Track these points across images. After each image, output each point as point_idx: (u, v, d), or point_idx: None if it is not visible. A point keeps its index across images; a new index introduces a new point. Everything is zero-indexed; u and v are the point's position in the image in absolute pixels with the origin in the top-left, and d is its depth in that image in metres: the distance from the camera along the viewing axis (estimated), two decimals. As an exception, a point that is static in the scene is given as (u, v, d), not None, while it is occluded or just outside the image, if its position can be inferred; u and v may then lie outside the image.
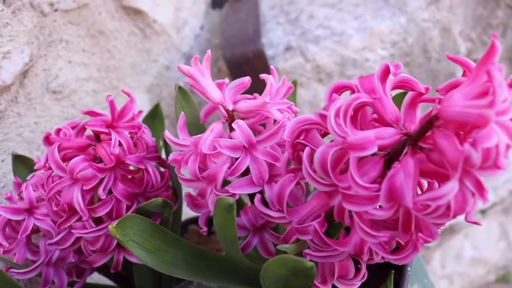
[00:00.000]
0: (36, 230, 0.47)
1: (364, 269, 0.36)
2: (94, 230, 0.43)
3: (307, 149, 0.32)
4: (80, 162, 0.41)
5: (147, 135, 0.44)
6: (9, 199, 0.49)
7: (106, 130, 0.41)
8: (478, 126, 0.27)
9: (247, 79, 0.44)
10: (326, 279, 0.36)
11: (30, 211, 0.44)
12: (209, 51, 0.41)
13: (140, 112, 0.47)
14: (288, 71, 0.76)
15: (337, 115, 0.30)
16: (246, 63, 0.74)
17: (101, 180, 0.42)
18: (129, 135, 0.43)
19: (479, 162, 0.26)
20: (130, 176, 0.46)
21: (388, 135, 0.30)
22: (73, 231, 0.43)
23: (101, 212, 0.43)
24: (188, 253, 0.43)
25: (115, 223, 0.34)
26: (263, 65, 0.74)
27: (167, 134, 0.39)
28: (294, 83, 0.50)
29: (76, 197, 0.42)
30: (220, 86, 0.43)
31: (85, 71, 0.64)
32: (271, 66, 0.42)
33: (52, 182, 0.43)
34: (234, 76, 0.75)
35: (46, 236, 0.46)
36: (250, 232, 0.40)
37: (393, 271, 0.41)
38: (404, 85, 0.36)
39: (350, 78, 0.76)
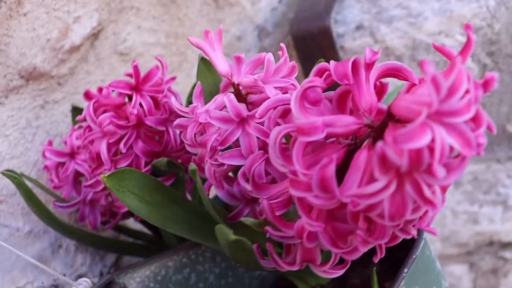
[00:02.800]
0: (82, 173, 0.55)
1: (335, 257, 0.36)
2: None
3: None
4: (107, 118, 0.46)
5: (172, 99, 0.48)
6: (65, 143, 0.56)
7: (128, 92, 0.46)
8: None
9: (263, 55, 0.44)
10: (294, 260, 0.37)
11: (72, 155, 0.51)
12: (220, 27, 0.42)
13: (172, 78, 0.50)
14: (355, 51, 0.74)
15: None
16: (311, 38, 0.73)
17: (124, 136, 0.47)
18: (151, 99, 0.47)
19: (406, 165, 0.24)
20: (157, 137, 0.50)
21: (342, 123, 0.29)
22: (99, 177, 0.49)
23: (122, 164, 0.48)
24: (192, 213, 0.46)
25: (107, 173, 0.39)
26: (329, 42, 0.73)
27: (173, 100, 0.42)
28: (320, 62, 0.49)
29: (102, 148, 0.47)
30: (237, 61, 0.44)
31: (153, 36, 0.69)
32: (281, 44, 0.42)
33: (88, 132, 0.49)
34: (299, 51, 0.75)
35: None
36: (241, 203, 0.42)
37: (375, 268, 0.40)
38: (395, 74, 0.34)
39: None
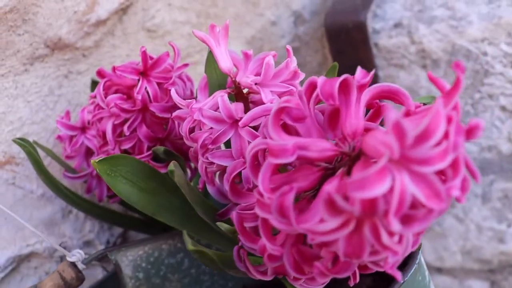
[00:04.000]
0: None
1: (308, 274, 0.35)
2: (120, 159, 0.49)
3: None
4: (114, 99, 0.47)
5: (172, 91, 0.47)
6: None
7: (135, 77, 0.46)
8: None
9: (272, 53, 0.43)
10: (266, 271, 0.36)
11: (83, 129, 0.53)
12: (227, 22, 0.41)
13: (184, 65, 0.50)
14: (389, 50, 0.70)
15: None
16: (345, 32, 0.70)
17: (129, 119, 0.48)
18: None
19: (358, 212, 0.23)
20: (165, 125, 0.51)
21: (317, 148, 0.28)
22: (101, 155, 0.50)
23: (125, 146, 0.49)
24: (187, 204, 0.46)
25: (98, 158, 0.39)
26: (362, 38, 0.70)
27: (173, 92, 0.42)
28: (334, 66, 0.47)
29: (107, 128, 0.48)
30: (245, 57, 0.43)
31: (184, 15, 0.69)
32: (287, 46, 0.40)
33: (97, 110, 0.50)
34: (331, 44, 0.73)
35: (96, 154, 0.55)
36: (230, 202, 0.42)
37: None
38: (390, 97, 0.32)
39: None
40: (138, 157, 0.48)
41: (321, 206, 0.23)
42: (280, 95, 0.39)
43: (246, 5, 0.75)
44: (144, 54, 0.45)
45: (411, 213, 0.23)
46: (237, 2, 0.74)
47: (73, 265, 0.47)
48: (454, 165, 0.24)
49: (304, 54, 0.80)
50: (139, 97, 0.45)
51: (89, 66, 0.62)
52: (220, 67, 0.41)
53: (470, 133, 0.24)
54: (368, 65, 0.72)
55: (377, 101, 0.33)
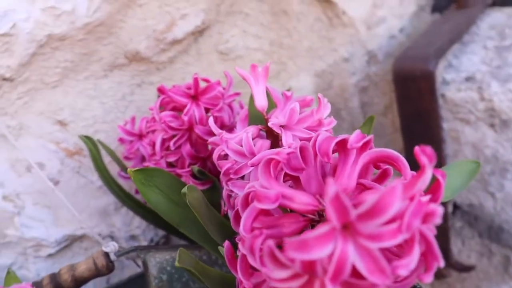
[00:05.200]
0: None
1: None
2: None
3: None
4: (166, 116, 0.52)
5: (210, 120, 0.50)
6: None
7: (184, 100, 0.50)
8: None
9: (308, 98, 0.45)
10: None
11: (140, 137, 0.59)
12: (268, 63, 0.44)
13: (236, 93, 0.54)
14: (456, 103, 0.68)
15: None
16: (411, 80, 0.69)
17: (176, 136, 0.52)
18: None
19: (299, 270, 0.24)
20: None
21: (299, 201, 0.30)
22: (148, 163, 0.55)
23: (170, 159, 0.53)
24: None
25: (135, 169, 0.44)
26: (429, 87, 0.69)
27: (210, 121, 0.45)
28: (371, 118, 0.48)
29: (157, 140, 0.53)
30: (285, 97, 0.46)
31: (257, 42, 0.73)
32: (319, 95, 0.42)
33: (152, 122, 0.55)
34: (397, 89, 0.72)
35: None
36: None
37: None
38: (388, 162, 0.33)
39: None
40: (179, 171, 0.53)
41: (266, 257, 0.25)
42: (303, 139, 0.41)
43: (322, 39, 0.77)
44: (195, 80, 0.50)
45: (353, 282, 0.24)
46: (313, 36, 0.76)
47: (106, 255, 0.53)
48: (407, 245, 0.24)
49: (372, 95, 0.80)
50: (186, 118, 0.50)
51: (161, 79, 0.68)
52: (255, 105, 0.44)
53: (427, 217, 0.25)
54: (433, 115, 0.70)
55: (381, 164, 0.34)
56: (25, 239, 0.63)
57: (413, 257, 0.24)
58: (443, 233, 0.75)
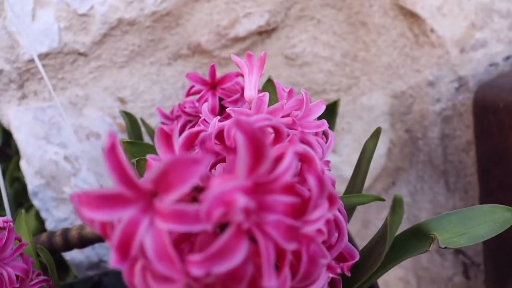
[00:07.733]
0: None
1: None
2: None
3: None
4: (186, 102, 0.53)
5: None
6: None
7: (200, 86, 0.50)
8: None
9: (320, 102, 0.41)
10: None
11: (173, 121, 0.61)
12: (264, 53, 0.41)
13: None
14: (546, 147, 0.55)
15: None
16: (493, 111, 0.59)
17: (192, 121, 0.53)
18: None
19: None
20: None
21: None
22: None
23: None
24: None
25: (127, 140, 0.46)
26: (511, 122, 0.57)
27: (204, 107, 0.45)
28: (378, 131, 0.42)
29: (178, 125, 0.54)
30: (289, 93, 0.43)
31: (328, 51, 0.69)
32: (302, 90, 0.38)
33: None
34: (476, 120, 0.62)
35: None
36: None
37: None
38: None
39: None
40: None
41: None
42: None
43: (404, 57, 0.70)
44: (212, 68, 0.50)
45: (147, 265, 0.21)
46: (394, 53, 0.70)
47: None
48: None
49: (455, 127, 0.70)
50: (197, 104, 0.50)
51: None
52: (244, 93, 0.42)
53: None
54: (517, 157, 0.58)
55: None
56: (75, 198, 0.69)
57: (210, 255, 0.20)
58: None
